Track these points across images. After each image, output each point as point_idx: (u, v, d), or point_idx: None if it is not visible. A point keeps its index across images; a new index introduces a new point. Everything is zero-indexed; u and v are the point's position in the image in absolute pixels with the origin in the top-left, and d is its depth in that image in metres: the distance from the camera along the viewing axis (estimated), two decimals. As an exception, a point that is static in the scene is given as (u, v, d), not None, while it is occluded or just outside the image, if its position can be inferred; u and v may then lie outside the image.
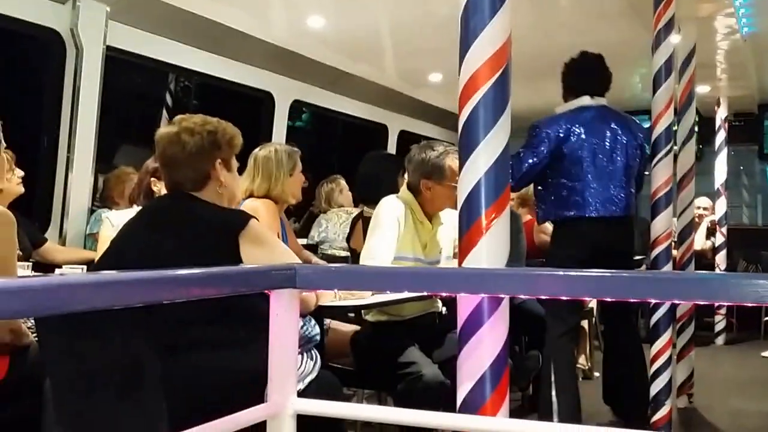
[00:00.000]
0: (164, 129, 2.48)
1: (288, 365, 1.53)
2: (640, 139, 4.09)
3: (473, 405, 1.74)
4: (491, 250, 1.81)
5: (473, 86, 1.82)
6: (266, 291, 1.51)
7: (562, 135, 3.96)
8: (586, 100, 4.03)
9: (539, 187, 4.12)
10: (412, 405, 2.78)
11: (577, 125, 3.96)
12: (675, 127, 4.77)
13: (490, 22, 1.80)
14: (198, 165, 2.42)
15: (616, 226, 3.95)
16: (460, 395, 1.78)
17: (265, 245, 2.34)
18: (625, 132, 4.01)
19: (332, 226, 5.25)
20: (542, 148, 3.98)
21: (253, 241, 2.31)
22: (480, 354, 1.75)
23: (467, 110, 1.83)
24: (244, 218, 2.36)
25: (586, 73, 4.14)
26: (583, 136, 3.93)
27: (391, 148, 7.59)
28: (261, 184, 3.57)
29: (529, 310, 4.71)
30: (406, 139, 7.47)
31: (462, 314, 1.77)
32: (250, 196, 3.59)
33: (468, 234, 1.82)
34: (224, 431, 1.41)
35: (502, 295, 1.75)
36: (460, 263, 1.85)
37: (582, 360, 5.80)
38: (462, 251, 1.84)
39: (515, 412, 4.67)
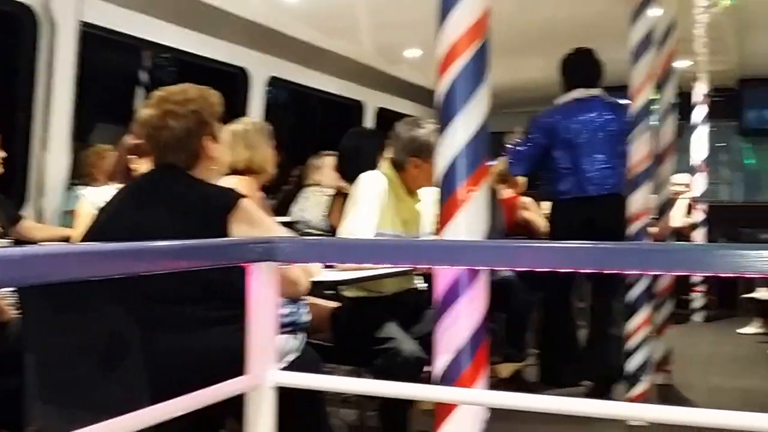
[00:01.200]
0: (147, 111, 2.44)
1: (267, 338, 1.53)
2: (630, 125, 4.26)
3: (450, 377, 1.74)
4: (469, 223, 1.80)
5: (451, 58, 1.80)
6: (244, 264, 1.51)
7: (555, 124, 4.57)
8: (578, 93, 4.55)
9: (541, 171, 4.74)
10: (391, 380, 2.79)
11: (569, 115, 4.51)
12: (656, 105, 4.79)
13: (468, -8, 1.78)
14: (188, 146, 2.41)
15: (606, 204, 4.41)
16: (438, 368, 1.78)
17: (256, 224, 2.33)
18: (615, 119, 4.49)
19: (310, 207, 5.23)
20: (537, 137, 4.64)
21: (244, 220, 2.29)
22: (458, 327, 1.74)
23: (445, 83, 1.81)
24: (235, 197, 2.33)
25: (577, 67, 4.69)
26: (574, 124, 4.40)
27: (368, 123, 7.56)
28: (242, 153, 3.52)
29: (507, 285, 4.74)
30: (384, 116, 7.45)
31: (440, 287, 1.76)
32: (232, 171, 3.55)
33: (446, 207, 1.81)
34: (204, 403, 1.42)
35: (481, 268, 1.74)
36: (438, 236, 1.85)
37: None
38: (441, 224, 1.83)
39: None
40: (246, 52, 5.76)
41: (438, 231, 1.85)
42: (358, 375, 4.01)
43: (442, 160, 1.82)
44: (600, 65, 4.60)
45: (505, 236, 5.10)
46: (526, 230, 5.72)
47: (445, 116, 1.81)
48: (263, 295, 1.51)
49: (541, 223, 5.82)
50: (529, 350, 5.34)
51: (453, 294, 1.75)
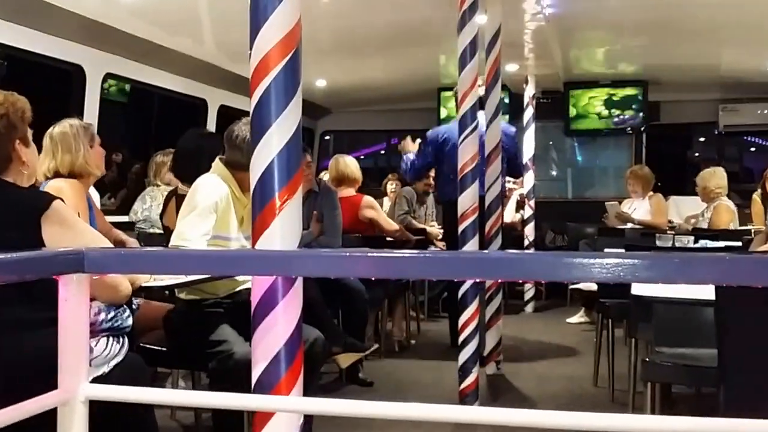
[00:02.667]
0: None
1: (79, 351, 1.50)
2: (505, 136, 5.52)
3: (268, 384, 1.77)
4: (284, 232, 1.83)
5: (264, 68, 1.83)
6: (54, 276, 1.48)
7: (440, 141, 5.78)
8: (481, 120, 5.01)
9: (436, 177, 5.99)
10: (224, 382, 2.79)
11: (452, 133, 5.24)
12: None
13: (281, 4, 1.81)
14: None
15: None
16: (255, 375, 1.80)
17: (70, 227, 2.29)
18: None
19: (155, 206, 5.12)
20: (429, 150, 5.89)
21: (57, 222, 2.25)
22: (274, 334, 1.77)
23: (259, 92, 1.84)
24: (47, 199, 2.29)
25: None
26: (455, 141, 4.72)
27: (211, 122, 7.47)
28: (63, 158, 3.42)
29: (346, 284, 4.82)
30: (227, 113, 7.37)
31: (255, 295, 1.79)
32: (56, 175, 3.43)
33: (261, 215, 1.83)
34: (11, 419, 1.38)
35: (295, 276, 1.78)
36: (253, 245, 1.87)
37: (398, 330, 5.98)
38: (255, 233, 1.85)
39: (331, 386, 4.79)
40: (81, 48, 5.56)
41: (251, 238, 1.88)
42: (193, 376, 4.00)
43: (256, 171, 1.84)
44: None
45: (343, 234, 5.17)
46: (371, 228, 5.84)
47: (258, 127, 1.84)
48: (74, 308, 1.48)
49: (387, 222, 5.97)
50: (369, 343, 5.49)
51: (268, 302, 1.78)
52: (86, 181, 3.54)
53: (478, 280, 4.33)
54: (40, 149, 3.40)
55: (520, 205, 8.23)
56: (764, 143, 9.39)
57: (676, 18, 6.23)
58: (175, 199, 4.24)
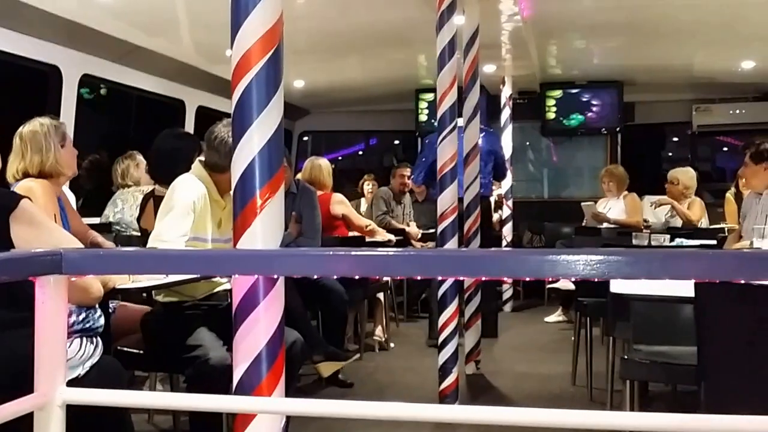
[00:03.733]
0: None
1: (56, 355, 1.47)
2: (490, 145, 6.28)
3: (249, 386, 1.75)
4: (266, 231, 1.82)
5: (246, 65, 1.81)
6: (30, 278, 1.46)
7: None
8: (460, 121, 5.11)
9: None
10: (201, 388, 2.76)
11: None
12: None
13: (261, 0, 1.80)
14: None
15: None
16: (236, 376, 1.79)
17: (38, 227, 2.25)
18: (483, 142, 5.86)
19: (128, 208, 5.07)
20: (430, 156, 5.98)
21: (25, 222, 2.22)
22: (256, 334, 1.76)
23: (240, 89, 1.82)
24: (15, 198, 2.25)
25: None
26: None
27: (189, 123, 7.43)
28: (33, 159, 3.37)
29: (326, 285, 4.81)
30: (205, 114, 7.34)
31: (237, 295, 1.77)
32: (25, 175, 3.39)
33: (242, 214, 1.82)
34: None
35: (277, 276, 1.77)
36: (234, 244, 1.85)
37: (378, 331, 5.98)
38: (236, 232, 1.84)
39: (310, 387, 4.77)
40: (57, 49, 5.51)
41: (233, 237, 1.86)
42: (171, 380, 3.96)
43: (237, 169, 1.83)
44: None
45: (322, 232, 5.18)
46: (344, 226, 5.85)
47: (239, 125, 1.82)
48: (52, 310, 1.45)
49: (357, 218, 6.00)
50: (350, 352, 5.49)
51: (250, 302, 1.76)
52: (57, 181, 3.49)
53: (460, 279, 4.35)
54: (7, 152, 3.37)
55: (497, 206, 8.25)
56: (736, 143, 9.53)
57: (650, 20, 6.30)
58: (153, 200, 4.21)
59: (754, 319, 2.22)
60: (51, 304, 1.45)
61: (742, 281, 1.11)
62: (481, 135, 5.74)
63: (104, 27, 5.61)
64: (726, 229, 5.99)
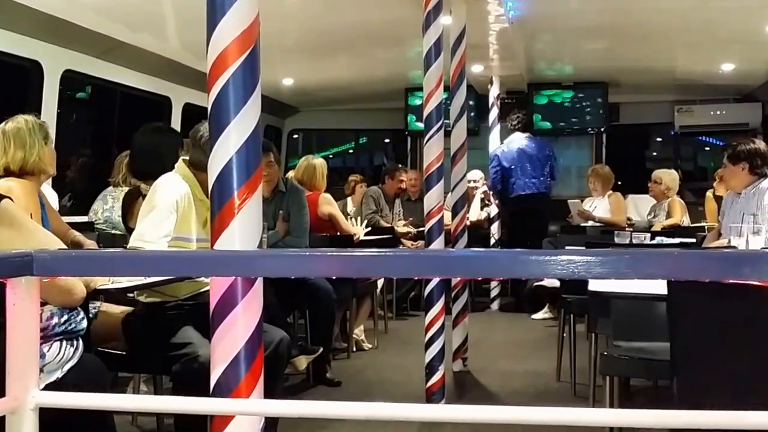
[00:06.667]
0: None
1: (28, 358, 1.46)
2: (546, 149, 8.08)
3: (227, 387, 1.74)
4: (244, 231, 1.81)
5: (222, 65, 1.80)
6: (1, 280, 1.44)
7: (499, 156, 8.00)
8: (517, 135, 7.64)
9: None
10: (189, 386, 2.74)
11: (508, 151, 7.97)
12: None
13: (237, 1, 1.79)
14: None
15: (533, 199, 7.81)
16: (214, 377, 1.78)
17: (20, 228, 2.22)
18: (536, 148, 7.99)
19: (118, 207, 5.03)
20: (495, 165, 7.97)
21: (6, 223, 2.19)
22: (234, 336, 1.75)
23: (216, 89, 1.81)
24: None
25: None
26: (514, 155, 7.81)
27: (176, 120, 7.39)
28: (15, 154, 3.32)
29: (314, 283, 4.80)
30: (192, 111, 7.31)
31: (214, 296, 1.76)
32: (6, 172, 3.35)
33: (220, 215, 1.81)
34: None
35: (255, 277, 1.76)
36: (212, 245, 1.84)
37: (358, 331, 5.94)
38: (214, 233, 1.82)
39: (298, 387, 4.77)
40: (38, 44, 5.46)
41: (210, 238, 1.85)
42: (155, 381, 3.94)
43: (214, 169, 1.82)
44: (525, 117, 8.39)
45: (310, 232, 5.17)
46: (332, 227, 5.83)
47: (216, 124, 1.81)
48: (23, 312, 1.44)
49: (344, 221, 5.97)
50: (337, 347, 5.49)
51: (227, 303, 1.75)
52: (38, 179, 3.46)
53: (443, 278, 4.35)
54: None
55: (484, 203, 8.26)
56: (717, 143, 9.66)
57: (634, 23, 6.37)
58: (142, 199, 4.17)
59: (724, 315, 2.24)
60: (22, 306, 1.43)
61: (706, 280, 1.12)
62: (533, 141, 7.84)
63: (87, 22, 5.56)
64: (706, 227, 6.08)
